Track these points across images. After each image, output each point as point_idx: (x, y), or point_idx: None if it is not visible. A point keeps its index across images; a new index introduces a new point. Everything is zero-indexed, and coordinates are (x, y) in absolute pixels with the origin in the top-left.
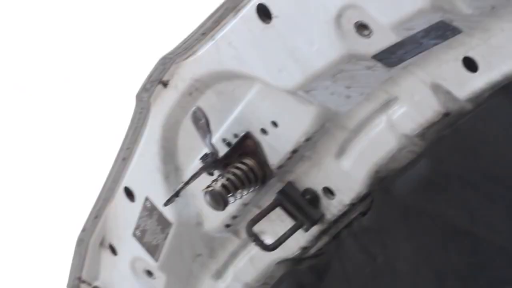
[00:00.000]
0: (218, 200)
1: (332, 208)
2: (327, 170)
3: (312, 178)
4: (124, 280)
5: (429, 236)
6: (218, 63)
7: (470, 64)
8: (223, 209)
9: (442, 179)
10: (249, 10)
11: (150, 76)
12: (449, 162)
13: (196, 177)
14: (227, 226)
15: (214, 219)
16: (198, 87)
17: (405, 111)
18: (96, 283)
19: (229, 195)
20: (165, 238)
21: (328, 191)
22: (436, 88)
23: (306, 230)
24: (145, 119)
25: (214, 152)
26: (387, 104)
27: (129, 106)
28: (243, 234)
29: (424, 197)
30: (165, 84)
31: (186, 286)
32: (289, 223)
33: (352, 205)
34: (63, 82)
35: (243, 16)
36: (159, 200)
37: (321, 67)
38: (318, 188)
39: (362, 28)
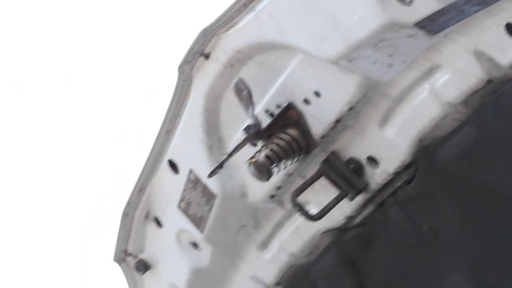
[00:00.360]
0: (262, 170)
1: (376, 177)
2: (371, 139)
3: (356, 148)
4: (170, 252)
5: (474, 203)
6: (259, 34)
7: None
8: (267, 179)
9: (486, 146)
10: None
11: (191, 49)
12: (493, 129)
13: (240, 148)
14: (272, 196)
15: (258, 190)
16: (239, 59)
17: (448, 78)
18: (142, 256)
19: (273, 166)
20: (210, 209)
21: (372, 160)
22: (479, 55)
23: (351, 199)
24: (188, 92)
25: (257, 123)
26: (429, 72)
27: (172, 79)
28: (288, 205)
29: (468, 164)
30: (206, 56)
31: (231, 257)
32: (333, 192)
33: (396, 174)
34: (104, 58)
35: None
36: (203, 172)
37: (363, 36)
38: (362, 157)
39: None
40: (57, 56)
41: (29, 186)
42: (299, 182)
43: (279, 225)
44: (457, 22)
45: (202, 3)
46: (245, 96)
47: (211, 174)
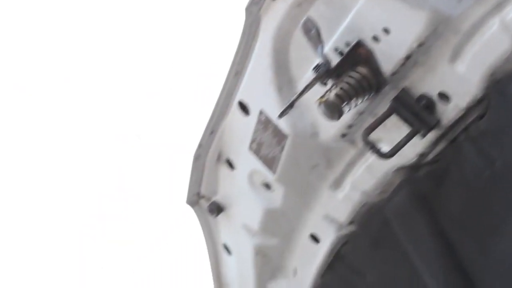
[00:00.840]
0: (333, 109)
1: (448, 113)
2: (442, 75)
3: (427, 84)
4: (243, 193)
5: None
6: None
7: None
8: (338, 118)
9: None
10: None
11: None
12: None
13: (310, 88)
14: (343, 135)
15: (329, 129)
16: None
17: None
18: (215, 198)
19: (343, 104)
20: (282, 150)
21: (443, 96)
22: None
23: (423, 136)
24: (256, 33)
25: (326, 62)
26: (499, 6)
27: (239, 21)
28: (360, 143)
29: None
30: None
31: (304, 197)
32: (405, 130)
33: (468, 109)
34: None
35: None
36: (273, 113)
37: None
38: (433, 93)
39: None
40: (56, 55)
41: (28, 186)
42: (370, 120)
43: (351, 164)
44: None
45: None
46: (314, 35)
47: (281, 114)
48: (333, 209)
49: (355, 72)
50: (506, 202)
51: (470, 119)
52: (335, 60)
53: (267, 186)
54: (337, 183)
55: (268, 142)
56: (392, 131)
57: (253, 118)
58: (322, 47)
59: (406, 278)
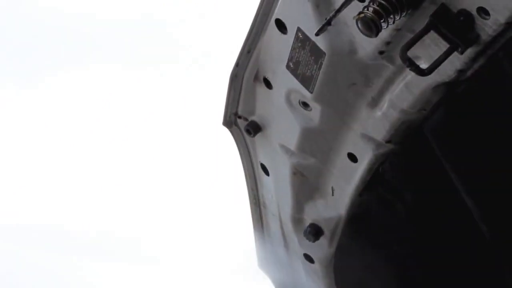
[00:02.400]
0: (371, 26)
1: (488, 28)
2: None
3: None
4: (281, 113)
5: None
6: None
7: None
8: (376, 35)
9: None
10: None
11: None
12: None
13: (347, 5)
14: (381, 52)
15: (367, 46)
16: None
17: None
18: (252, 118)
19: (381, 21)
20: (319, 68)
21: (483, 11)
22: None
23: (461, 52)
24: None
25: None
26: None
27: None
28: (398, 60)
29: None
30: None
31: (342, 115)
32: (443, 46)
33: (508, 25)
34: None
35: None
36: (311, 30)
37: None
38: (473, 8)
39: None
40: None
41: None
42: (408, 36)
43: (390, 81)
44: None
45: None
46: None
47: (319, 32)
48: (371, 128)
49: None
50: None
51: (510, 35)
52: None
53: (305, 104)
54: (375, 101)
55: (306, 60)
56: (431, 47)
57: (290, 36)
58: None
59: (444, 197)
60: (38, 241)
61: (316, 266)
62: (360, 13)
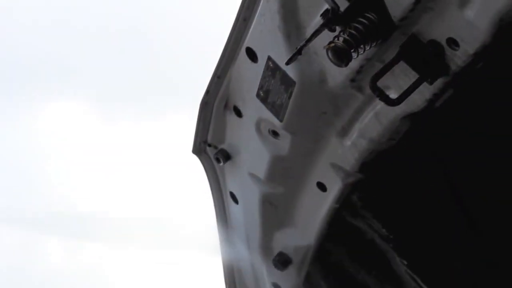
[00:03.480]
0: (341, 55)
1: (457, 59)
2: (451, 20)
3: (436, 30)
4: (250, 141)
5: None
6: None
7: None
8: (346, 64)
9: None
10: None
11: None
12: None
13: (318, 34)
14: (351, 82)
15: (337, 75)
16: None
17: None
18: (222, 146)
19: (351, 50)
20: (289, 97)
21: (452, 42)
22: None
23: (431, 82)
24: None
25: (335, 7)
26: None
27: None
28: (367, 90)
29: None
30: None
31: (311, 144)
32: (413, 76)
33: (477, 56)
34: None
35: None
36: (281, 59)
37: None
38: (442, 39)
39: None
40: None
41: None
42: (378, 66)
43: (359, 111)
44: None
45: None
46: None
47: (289, 61)
48: (340, 157)
49: (363, 18)
50: None
51: (478, 66)
52: (343, 5)
53: (275, 133)
54: (345, 131)
55: (276, 89)
56: (400, 78)
57: (261, 64)
58: None
59: (412, 225)
60: None
61: None
62: (330, 42)
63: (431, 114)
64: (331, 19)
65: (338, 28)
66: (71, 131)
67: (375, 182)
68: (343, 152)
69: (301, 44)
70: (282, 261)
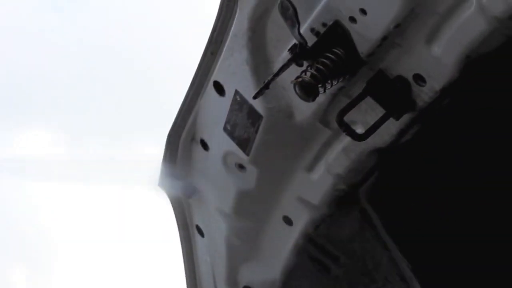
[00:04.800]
0: (308, 90)
1: (423, 95)
2: (418, 57)
3: (403, 66)
4: (217, 175)
5: None
6: None
7: None
8: (313, 99)
9: None
10: None
11: None
12: None
13: (285, 69)
14: (318, 117)
15: (304, 110)
16: None
17: None
18: (188, 180)
19: (318, 85)
20: (256, 131)
21: (419, 78)
22: None
23: (397, 118)
24: (233, 12)
25: (302, 43)
26: None
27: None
28: (335, 125)
29: None
30: None
31: (277, 179)
32: (380, 112)
33: (443, 92)
34: None
35: None
36: (249, 94)
37: None
38: (409, 75)
39: None
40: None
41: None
42: (345, 101)
43: (326, 146)
44: None
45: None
46: (290, 15)
47: (256, 95)
48: (307, 191)
49: (331, 53)
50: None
51: (444, 102)
52: (311, 40)
53: (241, 167)
54: (312, 165)
55: (243, 123)
56: (367, 113)
57: (228, 98)
58: (299, 27)
59: (377, 261)
60: None
61: None
62: (297, 77)
63: (398, 149)
64: (298, 54)
65: (305, 63)
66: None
67: (341, 216)
68: (310, 186)
69: (269, 78)
70: None
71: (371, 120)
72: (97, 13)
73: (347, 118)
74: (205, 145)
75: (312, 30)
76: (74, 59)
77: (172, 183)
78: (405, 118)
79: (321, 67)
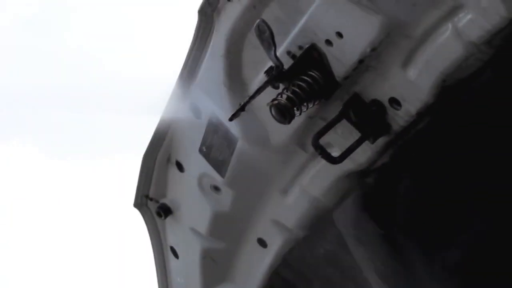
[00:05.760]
0: (284, 113)
1: (399, 118)
2: (393, 81)
3: (378, 89)
4: (191, 196)
5: (496, 142)
6: None
7: None
8: (289, 122)
9: (509, 85)
10: None
11: None
12: None
13: (261, 91)
14: (294, 139)
15: (280, 133)
16: (261, 0)
17: (471, 17)
18: (163, 200)
19: (294, 108)
20: (232, 153)
21: (394, 102)
22: None
23: (373, 141)
24: (209, 34)
25: (279, 65)
26: (453, 11)
27: (192, 22)
28: (310, 148)
29: (490, 104)
30: None
31: (252, 201)
32: (355, 135)
33: (419, 115)
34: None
35: None
36: (224, 116)
37: None
38: (384, 99)
39: None
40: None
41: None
42: (321, 124)
43: (302, 169)
44: None
45: None
46: (267, 37)
47: (232, 117)
48: (282, 214)
49: (307, 76)
50: (453, 211)
51: (420, 126)
52: (287, 63)
53: (216, 189)
54: (287, 188)
55: (219, 145)
56: (343, 136)
57: (204, 120)
58: (275, 50)
59: (353, 285)
60: None
61: None
62: (273, 100)
63: (374, 173)
64: (275, 76)
65: (281, 86)
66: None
67: (316, 239)
68: (285, 209)
69: (245, 100)
70: None
71: (347, 143)
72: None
73: (322, 141)
74: (180, 167)
75: (289, 52)
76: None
77: (147, 205)
78: (381, 141)
79: (297, 89)
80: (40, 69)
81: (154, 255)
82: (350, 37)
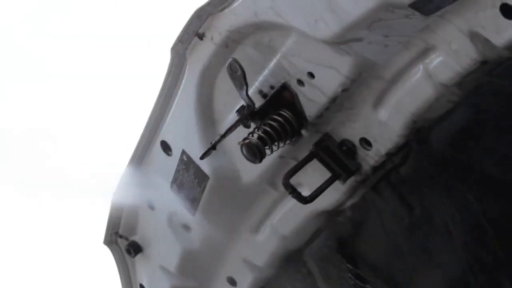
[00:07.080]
0: (255, 152)
1: (369, 159)
2: (364, 121)
3: (349, 129)
4: (161, 235)
5: (465, 186)
6: (254, 14)
7: (507, 11)
8: (260, 161)
9: (480, 128)
10: None
11: (186, 29)
12: (486, 111)
13: (233, 130)
14: (264, 179)
15: (251, 171)
16: (234, 39)
17: (442, 60)
18: (133, 238)
19: (265, 147)
20: (202, 191)
21: (365, 142)
22: (474, 36)
23: (343, 181)
24: (181, 72)
25: (250, 104)
26: (424, 53)
27: (164, 59)
28: (281, 187)
29: (461, 146)
30: (201, 37)
31: (223, 239)
32: (326, 175)
33: (389, 156)
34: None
35: None
36: (196, 154)
37: (358, 16)
38: (355, 139)
39: None
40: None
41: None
42: (292, 164)
43: (272, 208)
44: (452, 2)
45: None
46: (239, 77)
47: (203, 156)
48: (252, 253)
49: (278, 115)
50: (422, 250)
51: (390, 166)
52: (259, 102)
53: (186, 227)
54: (257, 227)
55: (189, 183)
56: (314, 175)
57: (175, 158)
58: (247, 89)
59: None
60: None
61: None
62: (245, 139)
63: (344, 212)
64: (246, 115)
65: (253, 125)
66: None
67: (286, 277)
68: (255, 248)
69: (216, 139)
70: None
71: (317, 183)
72: None
73: (293, 180)
74: (151, 205)
75: (260, 92)
76: None
77: (117, 242)
78: (351, 181)
79: (268, 129)
80: None
81: None
82: (321, 78)
